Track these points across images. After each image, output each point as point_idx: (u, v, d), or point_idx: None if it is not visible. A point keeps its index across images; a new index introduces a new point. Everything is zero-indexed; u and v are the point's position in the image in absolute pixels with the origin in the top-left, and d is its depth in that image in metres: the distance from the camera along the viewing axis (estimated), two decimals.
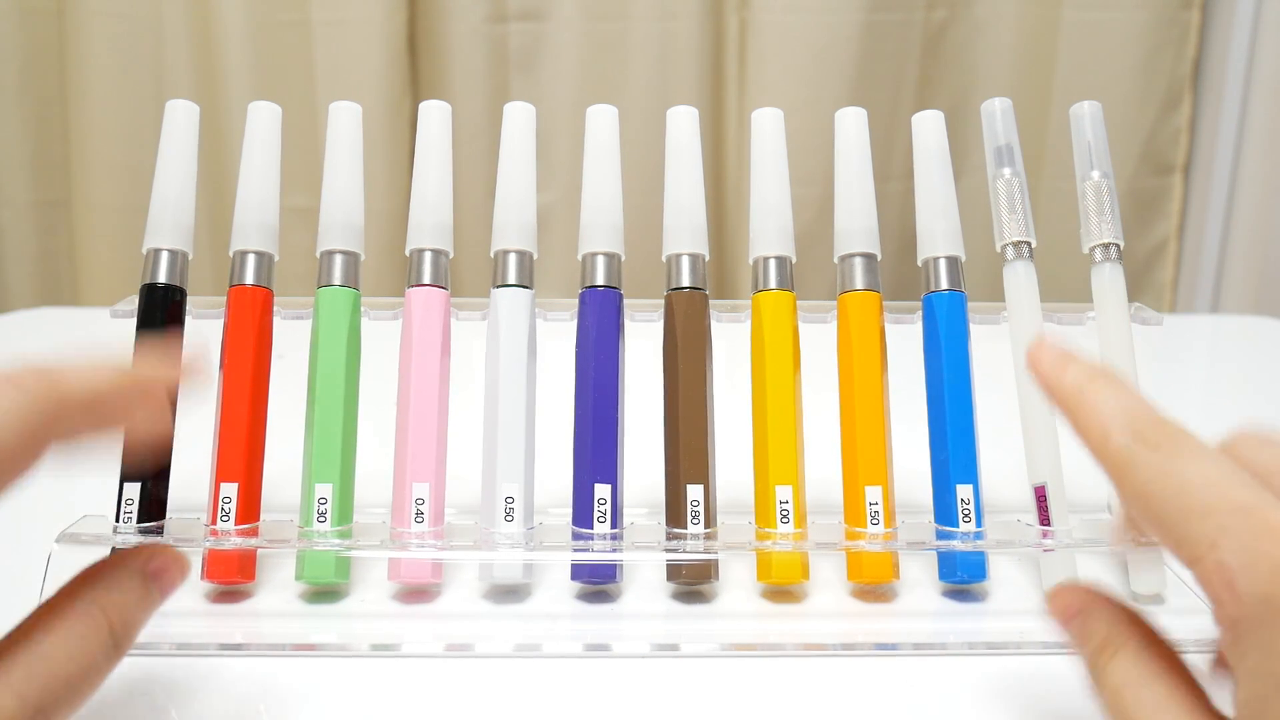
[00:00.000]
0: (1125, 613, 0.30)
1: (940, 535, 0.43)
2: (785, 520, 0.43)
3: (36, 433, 0.26)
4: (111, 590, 0.29)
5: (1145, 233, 1.45)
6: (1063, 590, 0.31)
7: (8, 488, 0.26)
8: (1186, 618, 0.40)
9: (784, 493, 0.43)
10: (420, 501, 0.43)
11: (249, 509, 0.43)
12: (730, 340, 0.47)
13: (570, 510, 0.44)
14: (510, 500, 0.43)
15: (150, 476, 0.42)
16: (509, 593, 0.44)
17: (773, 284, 0.46)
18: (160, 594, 0.30)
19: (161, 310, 0.44)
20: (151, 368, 0.29)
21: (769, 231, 0.46)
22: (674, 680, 0.38)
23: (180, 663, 0.39)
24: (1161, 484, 0.26)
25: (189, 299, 0.45)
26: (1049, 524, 0.43)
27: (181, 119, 0.46)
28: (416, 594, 0.44)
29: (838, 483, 0.45)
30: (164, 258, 0.45)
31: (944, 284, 0.45)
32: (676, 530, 0.43)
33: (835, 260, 0.46)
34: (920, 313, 0.46)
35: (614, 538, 0.43)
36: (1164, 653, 0.28)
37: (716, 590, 0.44)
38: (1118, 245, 0.46)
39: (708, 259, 0.46)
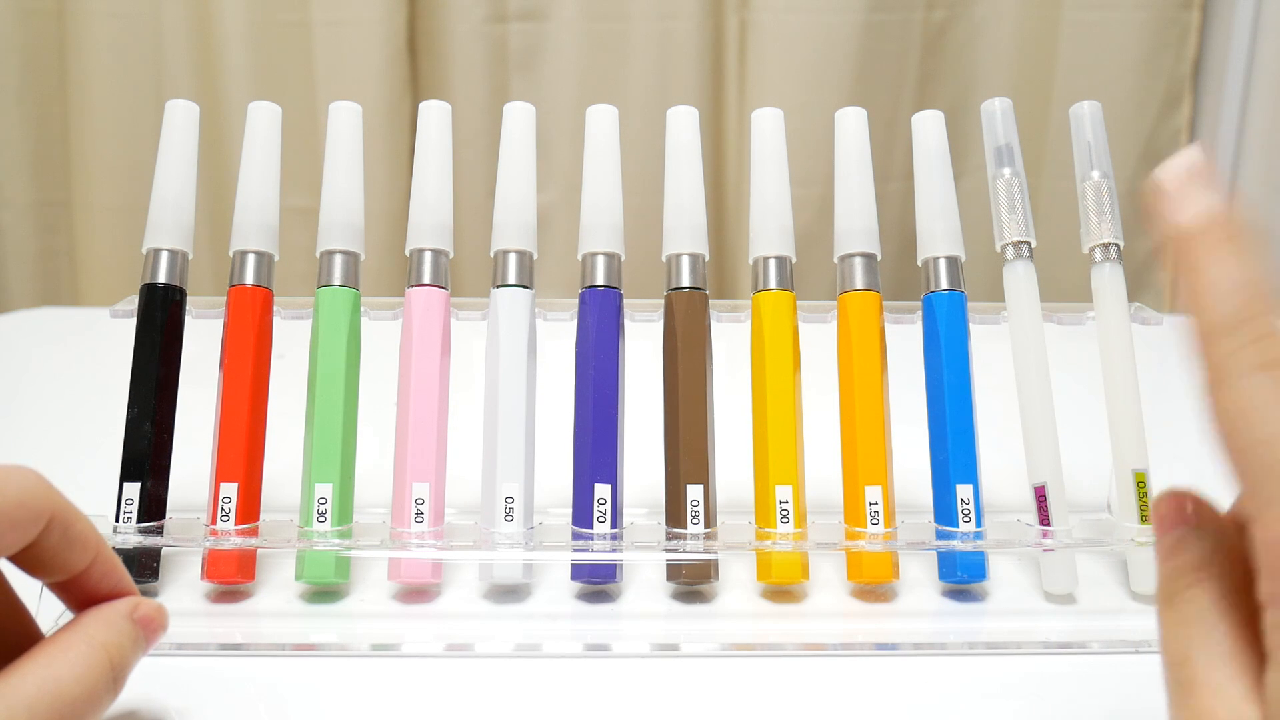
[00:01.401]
0: (1226, 544, 0.26)
1: (940, 535, 0.43)
2: (785, 520, 0.43)
3: (38, 520, 0.29)
4: (109, 630, 0.31)
5: (1145, 233, 1.45)
6: (1174, 497, 0.27)
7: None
8: None
9: (784, 493, 0.43)
10: (420, 501, 0.43)
11: (249, 509, 0.43)
12: (730, 340, 0.47)
13: (570, 510, 0.44)
14: (510, 500, 0.43)
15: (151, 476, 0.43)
16: (509, 593, 0.44)
17: (773, 284, 0.46)
18: (146, 641, 0.32)
19: (161, 310, 0.44)
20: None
21: (769, 231, 0.46)
22: (674, 680, 0.38)
23: (180, 663, 0.39)
24: (1250, 418, 0.23)
25: (189, 299, 0.45)
26: (1049, 524, 0.43)
27: (181, 119, 0.46)
28: (416, 594, 0.44)
29: (838, 483, 0.45)
30: (164, 258, 0.45)
31: (944, 284, 0.45)
32: (676, 530, 0.43)
33: (835, 260, 0.46)
34: (920, 313, 0.46)
35: (614, 538, 0.43)
36: (1243, 603, 0.25)
37: (716, 590, 0.44)
38: (1118, 245, 0.46)
39: (708, 259, 0.46)
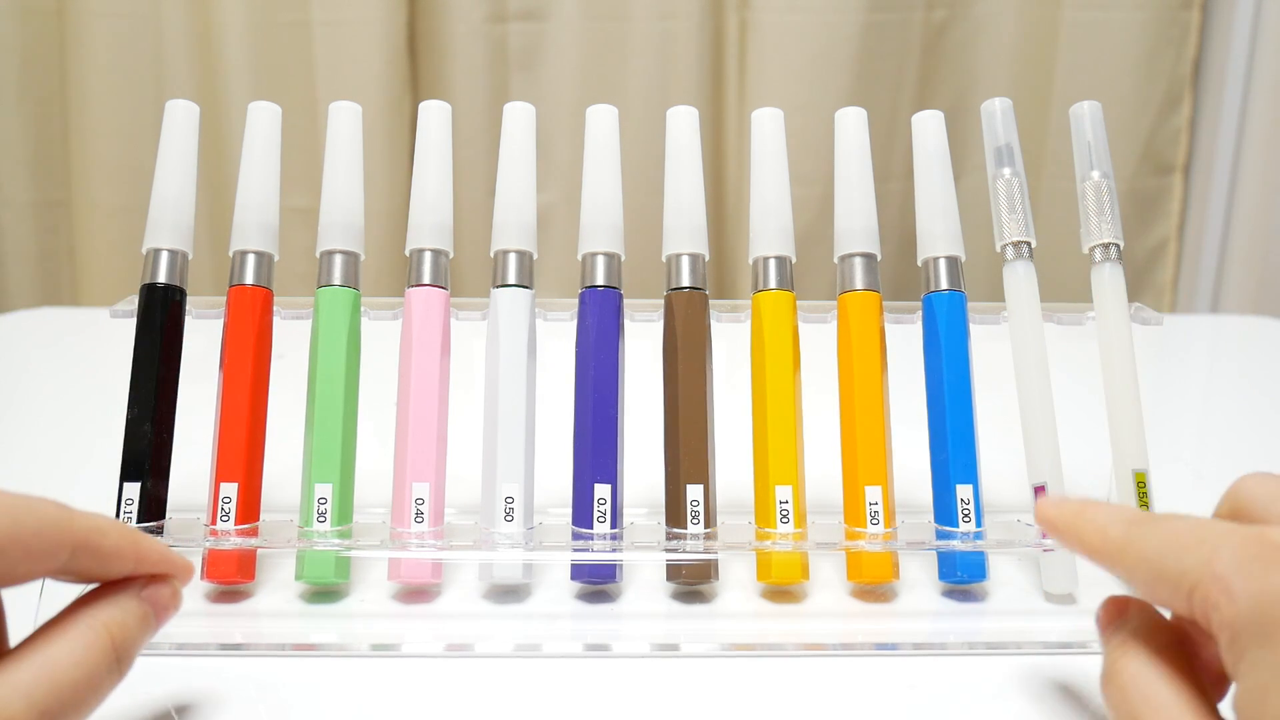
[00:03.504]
0: (1155, 618, 0.31)
1: (940, 535, 0.43)
2: (785, 520, 0.43)
3: (56, 551, 0.28)
4: (113, 609, 0.30)
5: (1145, 233, 1.45)
6: (1111, 600, 0.33)
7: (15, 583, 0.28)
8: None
9: (784, 493, 0.43)
10: (420, 501, 0.43)
11: (249, 509, 0.43)
12: (730, 340, 0.47)
13: (570, 510, 0.44)
14: (510, 500, 0.43)
15: (150, 476, 0.43)
16: (509, 593, 0.44)
17: (773, 284, 0.46)
18: (156, 620, 0.31)
19: (161, 310, 0.44)
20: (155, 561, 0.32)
21: (769, 231, 0.46)
22: (674, 680, 0.38)
23: (180, 663, 0.39)
24: (1158, 542, 0.29)
25: (189, 299, 0.45)
26: None
27: (181, 119, 0.46)
28: (416, 594, 0.44)
29: (838, 483, 0.45)
30: (164, 258, 0.45)
31: (944, 284, 0.45)
32: (676, 530, 0.43)
33: (835, 260, 0.46)
34: (920, 313, 0.46)
35: (614, 538, 0.43)
36: (1179, 658, 0.30)
37: (716, 590, 0.44)
38: (1118, 245, 0.46)
39: (708, 259, 0.46)
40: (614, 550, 0.42)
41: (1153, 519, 0.30)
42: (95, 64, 1.34)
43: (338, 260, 0.45)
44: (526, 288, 0.45)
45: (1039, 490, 0.44)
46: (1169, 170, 1.43)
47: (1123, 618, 0.32)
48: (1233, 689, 0.27)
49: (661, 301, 0.46)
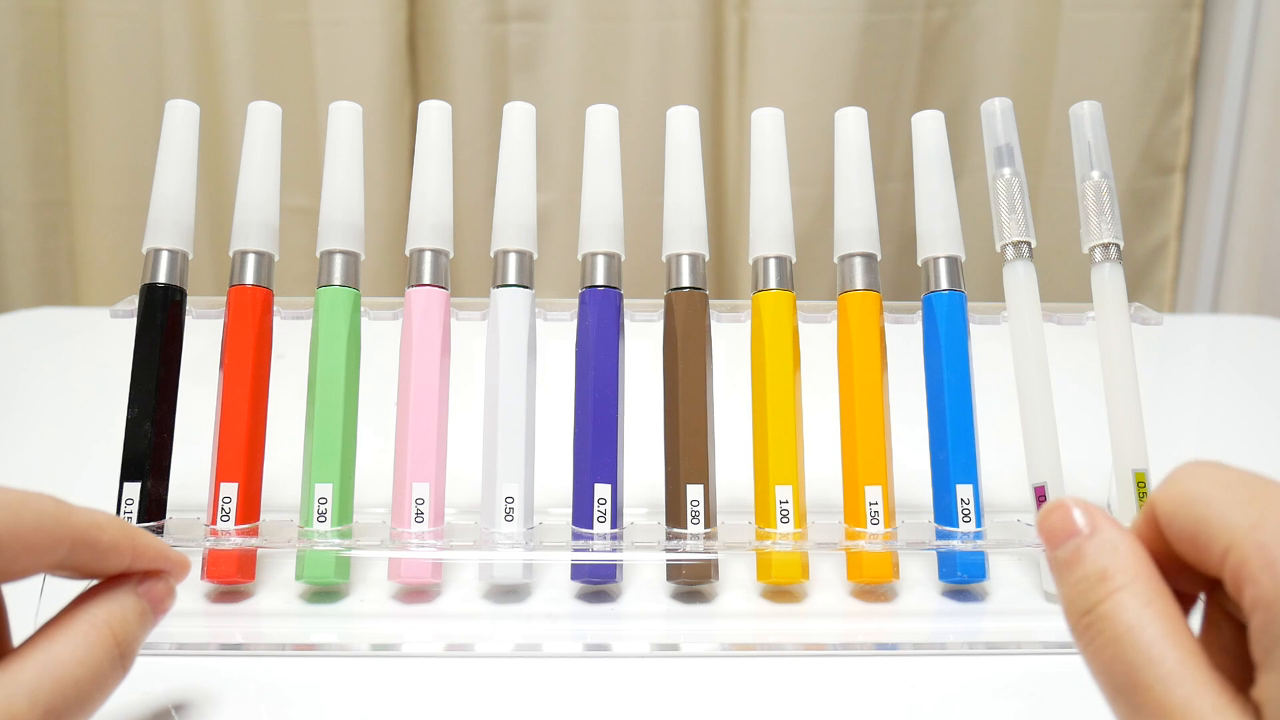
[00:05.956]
0: (1128, 548, 0.25)
1: (940, 535, 0.43)
2: (785, 520, 0.43)
3: (55, 546, 0.29)
4: (113, 606, 0.30)
5: (1145, 233, 1.45)
6: (1060, 506, 0.26)
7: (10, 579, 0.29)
8: None
9: (784, 493, 0.43)
10: (420, 501, 0.43)
11: (249, 509, 0.43)
12: (730, 340, 0.47)
13: (570, 510, 0.44)
14: (510, 500, 0.43)
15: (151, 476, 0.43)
16: (509, 593, 0.44)
17: (773, 284, 0.46)
18: (154, 615, 0.32)
19: (161, 310, 0.44)
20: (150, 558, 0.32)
21: (769, 231, 0.46)
22: (674, 680, 0.38)
23: (180, 663, 0.39)
24: (1203, 488, 0.25)
25: (189, 299, 0.45)
26: None
27: (181, 119, 0.46)
28: (416, 594, 0.44)
29: (838, 483, 0.45)
30: (164, 258, 0.45)
31: (944, 284, 0.45)
32: (676, 530, 0.43)
33: (835, 260, 0.46)
34: (920, 313, 0.46)
35: (614, 538, 0.43)
36: (1171, 605, 0.25)
37: (716, 590, 0.44)
38: (1118, 245, 0.46)
39: (708, 259, 0.46)
40: (614, 550, 0.43)
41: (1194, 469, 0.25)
42: (95, 64, 1.34)
43: (338, 260, 0.45)
44: (526, 288, 0.45)
45: (1039, 490, 0.44)
46: (1169, 170, 1.43)
47: (1078, 534, 0.25)
48: (1254, 669, 0.23)
49: (661, 301, 0.46)
